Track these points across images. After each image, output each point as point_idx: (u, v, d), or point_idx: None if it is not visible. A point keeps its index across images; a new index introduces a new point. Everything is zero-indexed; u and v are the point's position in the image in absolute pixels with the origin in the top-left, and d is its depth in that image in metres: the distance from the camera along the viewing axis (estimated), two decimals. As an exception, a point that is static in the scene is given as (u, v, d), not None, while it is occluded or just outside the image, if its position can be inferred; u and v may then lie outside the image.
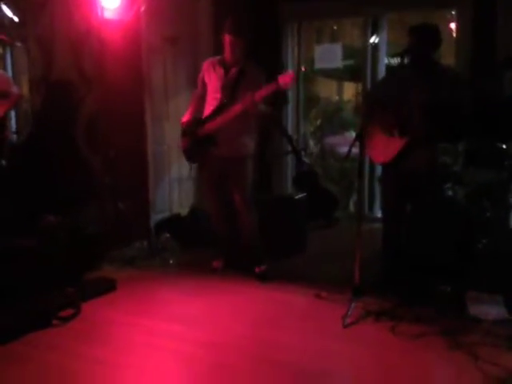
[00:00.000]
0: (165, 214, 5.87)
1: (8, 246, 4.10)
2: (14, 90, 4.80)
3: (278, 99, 4.61)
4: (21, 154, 5.30)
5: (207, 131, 4.56)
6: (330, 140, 7.58)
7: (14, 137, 6.15)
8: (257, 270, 4.65)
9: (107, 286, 4.43)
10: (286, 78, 4.16)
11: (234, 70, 4.52)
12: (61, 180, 5.09)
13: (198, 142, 4.64)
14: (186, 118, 4.76)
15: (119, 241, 5.20)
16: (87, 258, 4.71)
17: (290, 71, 4.24)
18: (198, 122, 4.66)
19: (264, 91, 4.23)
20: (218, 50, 4.67)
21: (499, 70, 4.19)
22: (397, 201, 4.34)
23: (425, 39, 4.05)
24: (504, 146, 4.56)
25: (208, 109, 4.62)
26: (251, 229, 4.67)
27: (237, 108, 4.36)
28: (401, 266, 4.33)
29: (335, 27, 8.20)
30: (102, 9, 5.03)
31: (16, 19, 5.61)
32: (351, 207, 6.86)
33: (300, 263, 5.04)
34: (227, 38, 4.46)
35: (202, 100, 4.69)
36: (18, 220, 4.48)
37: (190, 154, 4.78)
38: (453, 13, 6.20)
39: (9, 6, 5.49)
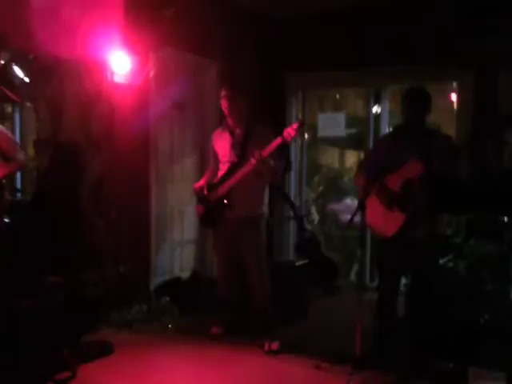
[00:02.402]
0: (165, 278, 5.84)
1: (7, 306, 4.06)
2: (20, 156, 4.87)
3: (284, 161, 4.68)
4: (24, 213, 5.32)
5: (220, 195, 4.59)
6: (333, 207, 7.62)
7: (19, 195, 6.20)
8: (267, 346, 4.50)
9: (104, 350, 4.37)
10: (290, 130, 4.24)
11: (238, 130, 4.61)
12: (63, 241, 5.10)
13: (212, 206, 4.67)
14: (199, 184, 4.82)
15: (118, 304, 5.15)
16: (85, 321, 4.67)
17: (295, 123, 4.31)
18: (210, 186, 4.70)
19: (271, 147, 4.28)
20: (223, 116, 4.76)
21: (499, 130, 4.25)
22: (393, 271, 4.32)
23: (417, 102, 4.13)
24: (505, 219, 4.59)
25: (219, 173, 4.68)
26: (264, 296, 4.60)
27: (247, 167, 4.39)
28: (397, 337, 4.30)
29: (338, 96, 8.35)
30: (112, 73, 5.14)
31: (26, 80, 5.72)
32: (352, 276, 6.83)
33: (300, 331, 4.98)
34: (223, 98, 4.58)
35: (215, 170, 4.77)
36: (18, 279, 4.47)
37: (206, 219, 4.81)
38: (454, 85, 6.34)
39: (20, 67, 5.61)
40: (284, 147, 5.22)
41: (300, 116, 6.72)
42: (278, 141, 4.27)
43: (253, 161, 4.31)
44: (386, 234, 4.12)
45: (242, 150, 4.55)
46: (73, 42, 4.94)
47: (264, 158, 4.30)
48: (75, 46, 4.93)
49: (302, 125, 4.38)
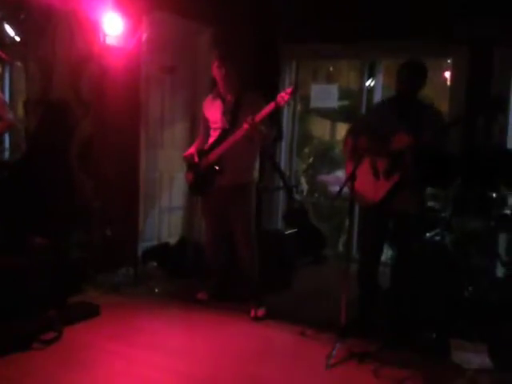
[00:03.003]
0: (153, 243, 5.85)
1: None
2: (8, 115, 4.82)
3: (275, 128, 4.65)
4: (12, 173, 5.29)
5: (211, 161, 4.57)
6: (322, 178, 7.63)
7: (7, 155, 6.15)
8: (253, 312, 4.53)
9: (90, 311, 4.38)
10: (283, 95, 4.20)
11: (230, 97, 4.57)
12: (51, 202, 5.07)
13: (203, 173, 4.65)
14: (188, 151, 4.79)
15: (105, 266, 5.16)
16: (72, 282, 4.67)
17: (289, 88, 4.27)
18: (200, 153, 4.68)
19: (264, 112, 4.26)
20: (214, 82, 4.73)
21: (490, 108, 4.25)
22: (377, 241, 4.35)
23: (413, 75, 4.12)
24: (493, 195, 4.62)
25: (210, 140, 4.65)
26: (251, 262, 4.61)
27: (239, 133, 4.36)
28: (382, 307, 4.35)
29: (331, 68, 8.31)
30: (104, 35, 5.08)
31: (17, 39, 5.64)
32: (340, 246, 6.87)
33: (286, 299, 5.01)
34: (215, 65, 4.55)
35: (206, 136, 4.74)
36: (5, 239, 4.45)
37: (196, 186, 4.79)
38: (448, 61, 6.32)
39: (11, 26, 5.53)
40: (276, 116, 5.22)
41: (294, 81, 6.64)
42: (271, 106, 4.23)
43: (245, 125, 4.28)
44: (370, 203, 4.14)
45: (233, 116, 4.52)
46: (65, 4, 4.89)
47: (256, 122, 4.26)
48: (68, 3, 4.88)
49: (296, 89, 4.34)
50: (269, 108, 4.25)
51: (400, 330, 4.13)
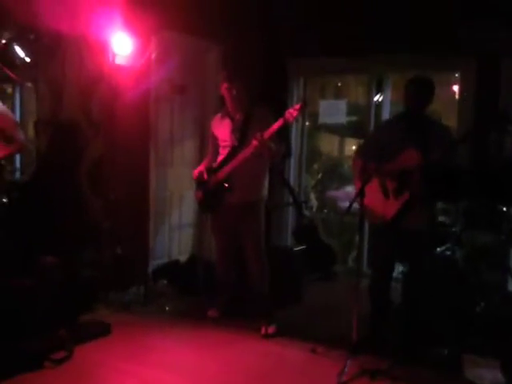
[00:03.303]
0: (163, 261, 5.86)
1: (4, 285, 4.07)
2: (20, 136, 4.85)
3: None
4: (23, 193, 5.32)
5: (220, 178, 4.59)
6: (332, 194, 7.62)
7: (17, 175, 6.20)
8: (263, 329, 4.51)
9: (101, 330, 4.38)
10: (292, 111, 4.22)
11: (239, 116, 4.59)
12: (61, 221, 5.10)
13: (212, 191, 4.66)
14: (198, 169, 4.81)
15: (116, 285, 5.17)
16: (82, 301, 4.68)
17: (297, 104, 4.29)
18: (209, 171, 4.70)
19: (272, 128, 4.27)
20: (223, 100, 4.75)
21: (500, 122, 4.24)
22: (388, 257, 4.34)
23: (421, 91, 4.12)
24: (504, 209, 4.60)
25: (219, 158, 4.67)
26: (262, 279, 4.61)
27: (248, 150, 4.37)
28: (393, 324, 4.33)
29: (339, 84, 8.33)
30: (114, 55, 5.13)
31: (28, 60, 5.70)
32: (350, 262, 6.85)
33: (296, 316, 5.00)
34: (224, 86, 4.56)
35: (214, 155, 4.75)
36: (16, 259, 4.47)
37: (205, 204, 4.80)
38: (456, 75, 6.33)
39: (21, 47, 5.59)
40: (284, 133, 5.23)
41: (303, 97, 6.66)
42: (279, 122, 4.25)
43: (254, 142, 4.29)
44: (380, 220, 4.14)
45: (242, 134, 4.54)
46: (75, 21, 4.93)
47: (265, 139, 4.28)
48: (77, 25, 4.93)
49: (304, 105, 4.34)
50: (277, 124, 4.26)
51: (412, 346, 4.11)
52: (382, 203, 4.11)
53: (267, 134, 4.27)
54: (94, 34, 5.08)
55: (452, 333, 4.04)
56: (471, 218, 4.72)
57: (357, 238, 4.21)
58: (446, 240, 4.74)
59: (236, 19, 6.08)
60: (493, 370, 3.74)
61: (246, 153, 4.41)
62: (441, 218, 4.90)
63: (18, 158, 6.26)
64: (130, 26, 5.12)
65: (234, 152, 4.55)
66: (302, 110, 4.27)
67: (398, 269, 5.20)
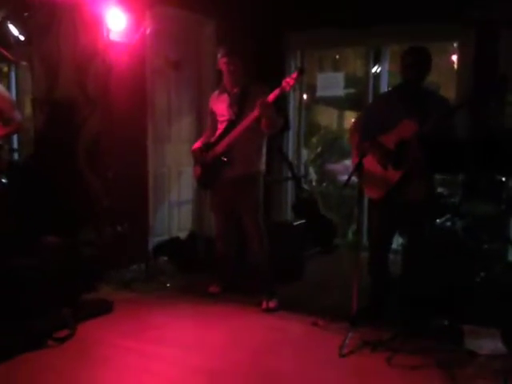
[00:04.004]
0: (163, 237, 5.87)
1: (6, 265, 4.08)
2: (17, 116, 4.83)
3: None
4: (22, 174, 5.31)
5: (218, 153, 4.57)
6: (331, 167, 7.61)
7: (15, 155, 6.18)
8: (264, 304, 4.53)
9: (103, 308, 4.41)
10: (288, 80, 4.19)
11: (236, 90, 4.57)
12: (61, 200, 5.10)
13: (210, 166, 4.65)
14: (195, 145, 4.79)
15: (117, 263, 5.19)
16: (84, 279, 4.69)
17: (294, 72, 4.25)
18: (207, 146, 4.68)
19: (272, 95, 4.23)
20: (220, 74, 4.72)
21: (498, 89, 4.20)
22: (387, 230, 4.34)
23: (417, 61, 4.08)
24: (503, 179, 4.59)
25: (217, 133, 4.65)
26: (262, 253, 4.61)
27: (250, 118, 4.35)
28: (393, 295, 4.34)
29: (337, 56, 8.27)
30: (108, 31, 5.08)
31: (22, 38, 5.66)
32: (350, 235, 6.86)
33: (297, 290, 5.02)
34: (222, 61, 4.53)
35: (213, 130, 4.74)
36: (17, 239, 4.48)
37: (203, 180, 4.80)
38: (454, 45, 6.27)
39: (15, 25, 5.54)
40: (282, 106, 5.20)
41: (300, 66, 6.59)
42: (276, 91, 4.21)
43: (257, 105, 4.23)
44: (379, 193, 4.13)
45: (239, 107, 4.52)
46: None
47: (268, 102, 4.23)
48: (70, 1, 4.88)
49: (301, 73, 4.28)
50: (275, 93, 4.23)
51: (412, 318, 4.12)
52: (380, 176, 4.09)
53: (271, 97, 4.23)
54: (87, 9, 5.03)
55: (452, 303, 4.06)
56: (470, 189, 4.70)
57: (356, 210, 4.19)
58: (446, 211, 4.73)
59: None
60: (493, 340, 3.77)
61: (246, 121, 4.38)
62: (439, 190, 4.89)
63: (15, 137, 6.24)
64: (124, 1, 5.07)
65: (231, 126, 4.53)
66: (298, 78, 4.22)
67: (398, 241, 5.21)
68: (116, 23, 5.06)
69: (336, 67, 8.27)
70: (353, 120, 4.53)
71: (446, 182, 4.95)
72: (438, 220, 4.65)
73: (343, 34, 6.28)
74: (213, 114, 4.75)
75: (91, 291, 4.71)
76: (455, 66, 6.18)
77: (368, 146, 4.06)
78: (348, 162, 7.25)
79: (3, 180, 4.90)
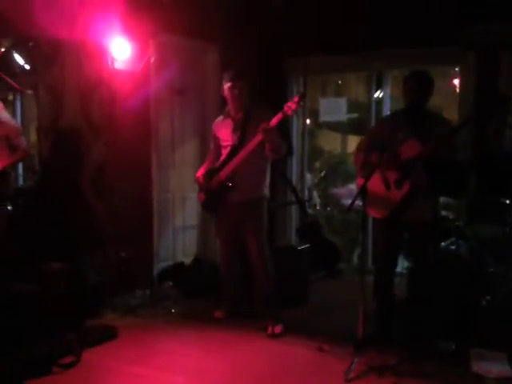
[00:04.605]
0: (168, 263, 5.86)
1: (10, 291, 4.09)
2: (24, 143, 4.87)
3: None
4: (26, 200, 5.34)
5: (222, 178, 4.59)
6: (335, 191, 7.62)
7: (21, 181, 6.22)
8: (270, 329, 4.49)
9: (108, 334, 4.39)
10: (290, 104, 4.23)
11: (239, 115, 4.61)
12: (65, 227, 5.12)
13: (215, 191, 4.67)
14: (200, 172, 4.83)
15: (122, 289, 5.18)
16: (88, 306, 4.69)
17: (296, 96, 4.30)
18: (211, 172, 4.71)
19: (276, 119, 4.26)
20: (224, 101, 4.77)
21: (499, 111, 4.23)
22: (392, 252, 4.34)
23: (419, 85, 4.12)
24: (507, 202, 4.59)
25: (221, 158, 4.68)
26: (267, 278, 4.62)
27: (253, 142, 4.37)
28: (399, 319, 4.32)
29: (340, 81, 8.34)
30: (113, 59, 5.14)
31: (27, 67, 5.73)
32: (355, 260, 6.84)
33: (302, 315, 5.00)
34: (227, 86, 4.58)
35: (216, 156, 4.77)
36: (21, 265, 4.49)
37: (208, 205, 4.82)
38: (456, 69, 6.32)
39: (20, 54, 5.61)
40: (285, 131, 5.23)
41: (302, 90, 6.64)
42: (279, 116, 4.25)
43: (261, 130, 4.26)
44: (383, 214, 4.14)
45: (242, 132, 4.56)
46: (73, 27, 4.95)
47: (271, 127, 4.26)
48: (75, 31, 4.94)
49: (302, 97, 4.32)
50: (277, 118, 4.27)
51: (419, 342, 4.10)
52: (384, 197, 4.11)
53: (273, 122, 4.26)
54: (92, 39, 5.09)
55: (458, 327, 4.04)
56: (475, 212, 4.71)
57: (361, 235, 4.20)
58: (450, 234, 4.73)
59: (233, 20, 6.09)
60: (500, 363, 3.74)
61: (250, 146, 4.41)
62: (444, 213, 4.90)
63: (20, 164, 6.28)
64: (128, 31, 5.13)
65: (234, 151, 4.56)
66: (300, 102, 4.26)
67: (403, 264, 5.20)
68: (120, 52, 5.12)
69: (338, 92, 8.33)
70: (356, 144, 4.56)
71: (451, 206, 4.96)
72: (442, 243, 4.65)
73: (345, 60, 6.34)
74: (216, 140, 4.79)
75: (96, 317, 4.70)
76: (457, 89, 6.22)
77: (375, 159, 4.07)
78: (352, 186, 7.26)
79: (8, 207, 4.93)
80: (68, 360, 3.87)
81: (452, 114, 5.99)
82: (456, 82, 6.41)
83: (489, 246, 4.52)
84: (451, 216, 4.90)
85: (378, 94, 6.56)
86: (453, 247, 4.64)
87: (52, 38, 5.00)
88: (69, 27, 4.97)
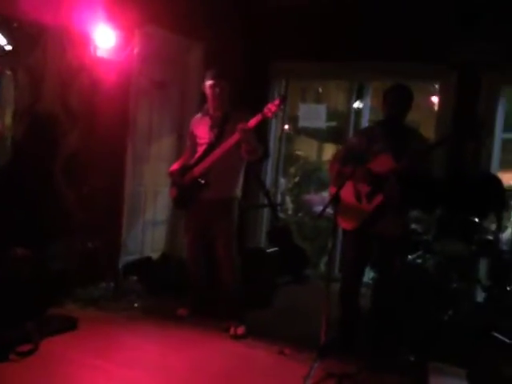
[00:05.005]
0: (135, 256, 5.81)
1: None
2: None
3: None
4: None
5: (196, 175, 4.57)
6: (308, 198, 7.65)
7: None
8: (232, 330, 4.49)
9: (68, 325, 4.32)
10: (270, 106, 4.23)
11: (218, 114, 4.59)
12: (33, 212, 5.04)
13: (187, 187, 4.64)
14: (173, 167, 4.80)
15: (85, 279, 5.12)
16: (51, 294, 4.62)
17: (276, 99, 4.31)
18: (185, 168, 4.68)
19: (253, 120, 4.26)
20: (204, 98, 4.75)
21: (476, 132, 4.30)
22: (359, 262, 4.36)
23: (399, 99, 4.16)
24: (476, 220, 4.66)
25: (196, 155, 4.66)
26: (233, 280, 4.60)
27: (230, 141, 4.35)
28: (361, 328, 4.35)
29: (320, 89, 8.38)
30: (96, 47, 5.09)
31: (8, 48, 5.62)
32: (322, 267, 6.87)
33: (266, 318, 4.99)
34: (208, 84, 4.56)
35: (192, 153, 4.74)
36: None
37: (179, 201, 4.79)
38: (436, 86, 6.39)
39: (3, 34, 5.52)
40: (263, 134, 5.23)
41: (283, 93, 6.66)
42: (258, 117, 4.25)
43: (238, 129, 4.25)
44: (353, 225, 4.16)
45: (219, 131, 4.54)
46: (58, 11, 4.89)
47: (249, 127, 4.26)
48: (60, 16, 4.88)
49: (283, 100, 4.33)
50: (256, 119, 4.27)
51: (379, 352, 4.13)
52: (355, 208, 4.13)
53: (251, 123, 4.26)
54: (77, 25, 5.03)
55: (419, 340, 4.07)
56: (443, 227, 4.76)
57: (330, 242, 4.22)
58: (418, 248, 4.78)
59: (219, 19, 6.09)
60: (458, 379, 3.77)
61: (226, 144, 4.40)
62: (414, 226, 4.94)
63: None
64: (114, 19, 5.09)
65: (210, 148, 4.54)
66: (280, 106, 4.27)
67: (369, 274, 5.23)
68: (104, 40, 5.07)
69: (318, 100, 8.37)
70: (332, 152, 4.59)
71: (421, 220, 5.01)
72: (409, 256, 4.69)
73: (327, 67, 6.37)
74: (193, 137, 4.77)
75: (57, 307, 4.63)
76: (435, 106, 6.30)
77: (349, 172, 4.08)
78: (325, 194, 7.30)
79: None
80: (26, 348, 3.80)
81: (428, 131, 6.06)
82: (434, 99, 6.48)
83: (454, 262, 4.57)
84: (420, 229, 4.94)
85: (357, 104, 6.60)
86: (419, 261, 4.69)
87: (36, 20, 4.92)
88: (54, 11, 4.90)
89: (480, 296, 4.92)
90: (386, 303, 4.27)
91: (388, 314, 4.26)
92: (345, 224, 4.26)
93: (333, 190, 4.16)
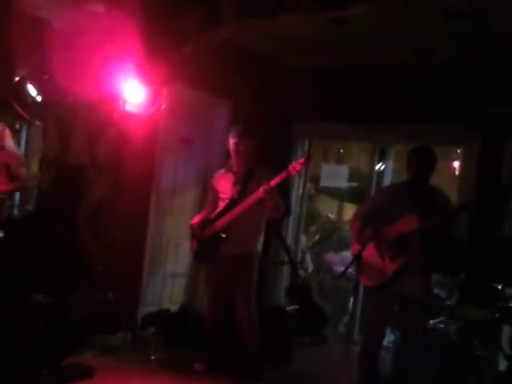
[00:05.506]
0: (154, 308, 5.79)
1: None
2: (23, 174, 4.88)
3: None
4: (19, 229, 5.32)
5: (217, 229, 4.60)
6: (328, 257, 7.62)
7: (15, 211, 6.20)
8: None
9: (84, 374, 4.28)
10: (295, 165, 4.28)
11: (242, 170, 4.65)
12: (54, 260, 5.08)
13: (208, 241, 4.67)
14: (195, 220, 4.84)
15: (104, 329, 5.10)
16: (69, 343, 4.61)
17: (301, 158, 4.36)
18: (206, 222, 4.72)
19: (278, 178, 4.31)
20: (228, 154, 4.82)
21: (501, 197, 4.28)
22: (380, 324, 4.31)
23: (424, 160, 4.19)
24: (499, 287, 4.60)
25: (217, 210, 4.70)
26: (252, 337, 4.56)
27: (253, 197, 4.39)
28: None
29: (341, 150, 8.45)
30: (125, 102, 5.20)
31: (39, 99, 5.78)
32: (341, 327, 6.78)
33: (283, 378, 4.90)
34: (232, 142, 4.64)
35: (213, 207, 4.79)
36: (7, 295, 4.43)
37: (199, 254, 4.82)
38: (458, 151, 6.42)
39: (34, 85, 5.68)
40: (285, 191, 5.27)
41: (307, 152, 6.74)
42: (283, 175, 4.31)
43: (261, 189, 4.30)
44: (376, 283, 4.14)
45: (242, 187, 4.60)
46: (89, 65, 5.03)
47: (272, 187, 4.30)
48: (91, 70, 5.02)
49: (308, 159, 4.40)
50: (281, 177, 4.32)
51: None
52: (378, 266, 4.11)
53: (274, 182, 4.31)
54: (107, 79, 5.16)
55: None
56: (466, 293, 4.71)
57: (350, 302, 4.18)
58: (440, 313, 4.72)
59: (246, 80, 6.21)
60: None
61: (248, 201, 4.43)
62: (436, 291, 4.89)
63: (17, 193, 6.28)
64: (143, 75, 5.21)
65: (232, 204, 4.59)
66: (305, 164, 4.33)
67: (389, 338, 5.16)
68: (133, 95, 5.19)
69: (340, 160, 8.43)
70: (352, 213, 4.60)
71: (444, 284, 4.96)
72: (431, 321, 4.63)
73: (351, 129, 6.44)
74: (214, 192, 4.82)
75: (74, 355, 4.61)
76: (456, 172, 6.30)
77: (370, 235, 4.08)
78: (346, 254, 7.27)
79: (0, 234, 4.91)
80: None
81: (449, 195, 6.04)
82: (456, 164, 6.49)
83: (477, 329, 4.50)
84: (443, 294, 4.88)
85: (379, 166, 6.65)
86: (441, 326, 4.62)
87: (67, 74, 5.07)
88: (85, 65, 5.05)
89: (502, 364, 4.81)
90: (407, 368, 4.19)
91: (408, 380, 4.17)
92: (367, 281, 4.23)
93: (355, 248, 4.15)
